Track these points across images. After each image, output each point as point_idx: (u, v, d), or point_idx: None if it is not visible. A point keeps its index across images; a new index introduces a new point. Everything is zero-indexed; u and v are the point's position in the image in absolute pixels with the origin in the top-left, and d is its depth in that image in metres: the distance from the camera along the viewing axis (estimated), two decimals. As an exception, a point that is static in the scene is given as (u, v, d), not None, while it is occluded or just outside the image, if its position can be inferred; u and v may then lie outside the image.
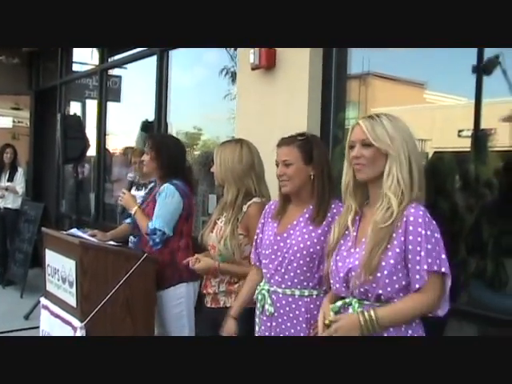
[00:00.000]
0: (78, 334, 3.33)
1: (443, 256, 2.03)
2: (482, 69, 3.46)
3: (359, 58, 4.27)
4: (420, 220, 2.03)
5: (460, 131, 3.84)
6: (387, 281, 2.06)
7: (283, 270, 2.61)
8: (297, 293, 2.59)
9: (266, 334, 2.69)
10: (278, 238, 2.68)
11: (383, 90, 5.01)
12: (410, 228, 2.04)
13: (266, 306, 2.67)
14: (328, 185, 2.66)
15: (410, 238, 2.04)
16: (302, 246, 2.58)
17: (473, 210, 3.69)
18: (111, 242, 3.78)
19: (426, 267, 2.01)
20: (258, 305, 2.74)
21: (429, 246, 2.02)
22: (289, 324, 2.58)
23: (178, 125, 6.43)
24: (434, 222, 2.07)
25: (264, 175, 3.21)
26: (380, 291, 2.08)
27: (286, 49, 3.97)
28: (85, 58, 8.61)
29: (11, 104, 10.20)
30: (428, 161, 4.18)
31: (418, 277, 2.03)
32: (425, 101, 4.65)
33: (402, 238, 2.05)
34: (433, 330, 3.53)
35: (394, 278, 2.06)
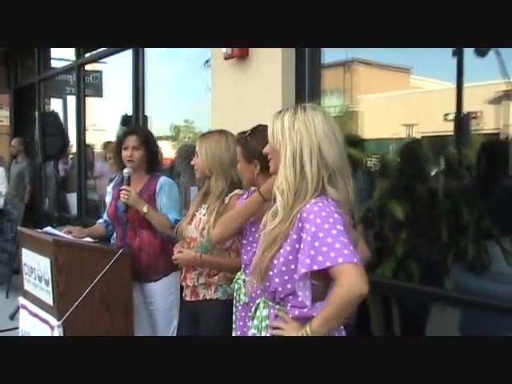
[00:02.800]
0: (56, 332, 3.31)
1: (337, 246, 1.86)
2: (476, 50, 3.43)
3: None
4: (311, 216, 1.92)
5: (446, 115, 3.84)
6: (277, 280, 2.00)
7: None
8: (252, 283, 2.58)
9: (241, 323, 2.72)
10: (253, 228, 2.68)
11: (368, 76, 5.00)
12: (303, 225, 1.94)
13: (241, 296, 2.71)
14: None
15: (301, 235, 1.94)
16: None
17: (454, 193, 3.69)
18: (87, 239, 3.75)
19: (315, 267, 1.86)
20: (235, 294, 2.78)
21: (316, 244, 1.88)
22: (263, 314, 2.57)
23: (156, 118, 6.39)
24: (336, 216, 1.92)
25: None
26: (272, 289, 2.04)
27: (258, 38, 3.94)
28: (63, 54, 8.54)
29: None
30: (406, 146, 4.19)
31: (295, 276, 1.95)
32: (410, 86, 4.65)
33: (295, 236, 1.96)
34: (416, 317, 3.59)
35: (286, 277, 1.98)
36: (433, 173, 4.01)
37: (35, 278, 3.64)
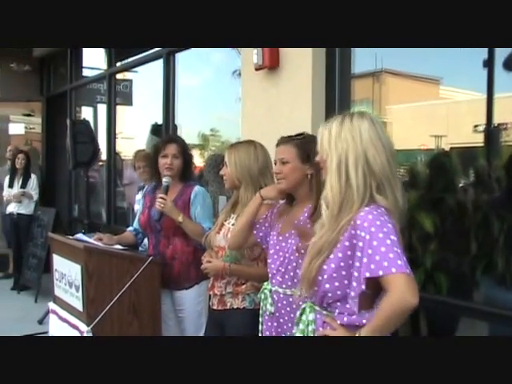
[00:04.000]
0: (85, 338, 3.34)
1: (391, 255, 1.84)
2: (504, 63, 3.41)
3: (371, 56, 4.25)
4: (365, 224, 1.90)
5: (475, 126, 3.81)
6: (327, 285, 1.99)
7: (283, 270, 2.62)
8: (297, 293, 2.58)
9: (267, 333, 2.71)
10: (280, 237, 2.69)
11: (397, 86, 4.99)
12: (357, 232, 1.93)
13: (267, 306, 2.70)
14: None
15: (355, 242, 1.93)
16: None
17: (484, 206, 3.66)
18: (117, 246, 3.78)
19: (367, 274, 1.87)
20: (261, 304, 2.77)
21: (369, 251, 1.87)
22: (290, 324, 2.56)
23: (186, 127, 6.44)
24: (390, 225, 1.90)
25: None
26: (322, 294, 2.03)
27: (289, 48, 3.95)
28: (94, 63, 8.68)
29: (23, 110, 10.26)
30: (435, 157, 4.17)
31: (354, 284, 1.94)
32: (439, 97, 4.62)
33: (347, 243, 1.95)
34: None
35: (336, 283, 1.98)
36: (462, 185, 3.99)
37: (65, 284, 3.68)
